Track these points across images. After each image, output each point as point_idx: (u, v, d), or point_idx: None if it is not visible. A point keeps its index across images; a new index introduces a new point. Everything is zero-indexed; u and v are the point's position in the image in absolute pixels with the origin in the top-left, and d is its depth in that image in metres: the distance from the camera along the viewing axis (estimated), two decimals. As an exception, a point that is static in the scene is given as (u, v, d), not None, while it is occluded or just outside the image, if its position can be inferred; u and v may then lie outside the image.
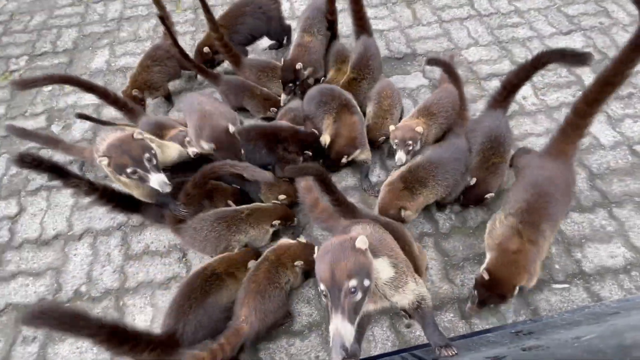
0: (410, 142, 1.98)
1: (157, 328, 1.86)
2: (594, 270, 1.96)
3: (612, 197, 2.18)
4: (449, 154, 1.99)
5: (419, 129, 1.99)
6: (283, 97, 2.44)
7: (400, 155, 1.99)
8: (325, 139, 2.16)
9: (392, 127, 2.06)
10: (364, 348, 1.73)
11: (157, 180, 1.62)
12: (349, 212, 1.65)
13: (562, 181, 1.70)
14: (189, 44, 3.19)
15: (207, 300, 1.63)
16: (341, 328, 0.93)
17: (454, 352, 1.10)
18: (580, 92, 2.55)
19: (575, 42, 2.93)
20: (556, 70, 2.79)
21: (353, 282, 0.97)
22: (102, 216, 2.26)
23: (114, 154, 1.59)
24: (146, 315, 1.92)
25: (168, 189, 1.65)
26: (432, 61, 2.19)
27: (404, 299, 1.19)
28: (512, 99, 2.10)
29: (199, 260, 2.07)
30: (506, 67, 2.82)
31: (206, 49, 2.66)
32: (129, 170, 1.59)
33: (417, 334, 1.80)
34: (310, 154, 2.13)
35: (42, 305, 1.20)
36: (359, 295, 0.98)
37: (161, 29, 3.31)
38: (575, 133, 1.70)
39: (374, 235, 1.24)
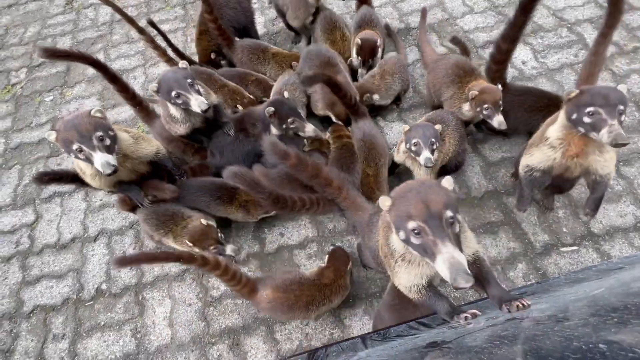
0: (433, 139, 1.77)
1: (176, 318, 1.95)
2: (603, 231, 1.95)
3: (619, 156, 2.13)
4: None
5: (438, 126, 1.80)
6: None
7: (427, 155, 1.74)
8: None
9: (405, 127, 1.84)
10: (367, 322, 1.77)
11: (101, 160, 1.48)
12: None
13: None
14: (180, 40, 3.19)
15: None
16: (457, 255, 0.85)
17: (527, 304, 0.93)
18: (583, 52, 2.49)
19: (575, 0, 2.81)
20: (556, 30, 2.70)
21: (450, 213, 0.90)
22: (114, 217, 2.34)
23: (63, 127, 1.49)
24: (165, 307, 2.00)
25: (109, 171, 1.50)
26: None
27: (466, 249, 1.09)
28: (506, 67, 2.01)
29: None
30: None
31: (213, 55, 2.67)
32: (74, 147, 1.48)
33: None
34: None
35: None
36: (457, 227, 0.92)
37: (151, 29, 3.33)
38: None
39: None
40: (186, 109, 1.84)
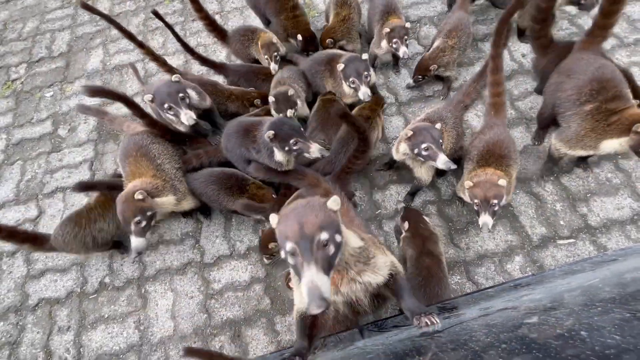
0: (495, 201, 1.62)
1: (178, 311, 1.99)
2: (600, 224, 1.96)
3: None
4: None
5: (502, 182, 1.61)
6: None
7: (487, 220, 1.63)
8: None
9: (468, 183, 1.70)
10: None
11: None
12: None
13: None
14: (179, 33, 3.18)
15: None
16: (317, 279, 0.86)
17: (436, 321, 0.93)
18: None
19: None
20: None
21: (325, 235, 0.91)
22: (116, 211, 2.36)
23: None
24: (167, 299, 2.03)
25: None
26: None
27: (375, 276, 1.11)
28: (550, 24, 2.06)
29: (212, 245, 2.17)
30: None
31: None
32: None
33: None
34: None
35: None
36: (332, 249, 0.93)
37: (150, 22, 3.32)
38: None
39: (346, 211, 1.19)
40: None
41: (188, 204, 2.03)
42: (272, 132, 1.68)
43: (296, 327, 1.17)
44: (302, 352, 1.06)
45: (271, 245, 1.86)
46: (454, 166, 1.69)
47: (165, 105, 1.95)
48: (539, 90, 2.35)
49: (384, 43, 2.33)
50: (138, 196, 1.71)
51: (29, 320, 2.07)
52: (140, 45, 2.32)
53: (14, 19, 3.65)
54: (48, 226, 2.37)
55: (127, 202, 1.71)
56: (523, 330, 0.55)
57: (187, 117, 1.95)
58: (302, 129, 1.75)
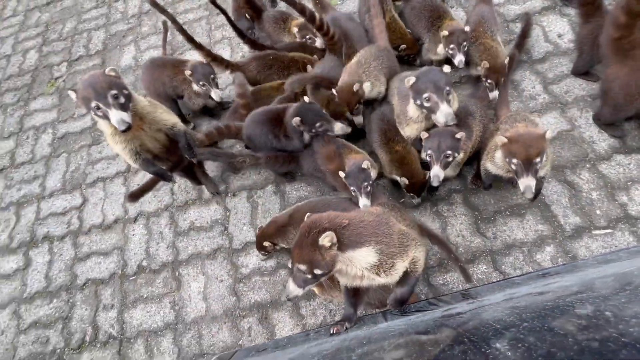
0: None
1: (209, 293, 2.11)
2: (642, 213, 1.85)
3: (664, 134, 1.99)
4: None
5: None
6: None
7: (530, 183, 1.57)
8: None
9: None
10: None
11: (116, 117, 1.55)
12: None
13: None
14: (204, 28, 3.26)
15: None
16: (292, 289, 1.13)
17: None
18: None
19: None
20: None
21: (303, 267, 1.09)
22: (151, 200, 2.52)
23: (81, 87, 1.57)
24: (199, 282, 2.16)
25: (123, 127, 1.57)
26: None
27: (392, 278, 1.21)
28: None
29: (239, 232, 2.26)
30: (537, 3, 2.56)
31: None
32: (92, 104, 1.55)
33: (450, 286, 1.86)
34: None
35: None
36: (309, 276, 1.11)
37: (177, 18, 3.41)
38: None
39: (374, 219, 1.20)
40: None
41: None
42: (298, 118, 1.88)
43: (344, 297, 1.35)
44: (350, 317, 1.25)
45: (265, 243, 1.98)
46: (437, 183, 1.67)
47: (201, 82, 2.31)
48: (576, 71, 2.21)
49: (440, 48, 2.14)
50: (110, 72, 1.61)
51: (78, 298, 2.28)
52: (199, 47, 2.37)
53: (54, 20, 3.90)
54: (91, 213, 2.57)
55: (99, 76, 1.59)
56: (545, 312, 0.55)
57: (216, 94, 2.35)
58: (323, 110, 1.93)
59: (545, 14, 2.50)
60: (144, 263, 2.31)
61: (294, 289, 1.13)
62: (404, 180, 1.92)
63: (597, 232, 1.85)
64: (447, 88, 1.60)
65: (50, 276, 2.40)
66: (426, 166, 1.84)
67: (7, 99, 3.39)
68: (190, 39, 2.32)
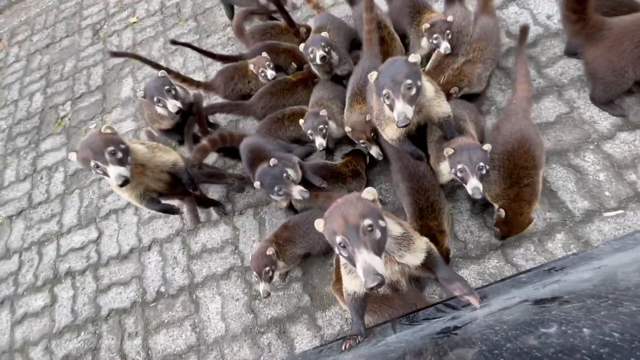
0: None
1: (227, 312, 2.16)
2: (653, 190, 1.80)
3: (668, 106, 1.93)
4: None
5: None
6: None
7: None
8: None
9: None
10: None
11: (114, 173, 1.60)
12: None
13: None
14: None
15: None
16: (369, 259, 0.94)
17: (476, 302, 1.04)
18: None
19: None
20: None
21: (368, 221, 0.98)
22: (162, 226, 2.59)
23: (80, 148, 1.64)
24: (216, 303, 2.21)
25: (120, 182, 1.61)
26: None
27: (415, 258, 1.19)
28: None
29: (250, 249, 2.30)
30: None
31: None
32: (92, 164, 1.62)
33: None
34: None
35: None
36: (378, 233, 0.99)
37: (169, 45, 3.50)
38: None
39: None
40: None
41: None
42: (258, 182, 1.91)
43: (351, 310, 1.29)
44: (361, 331, 1.22)
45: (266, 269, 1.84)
46: (479, 195, 1.56)
47: (155, 99, 2.16)
48: (568, 51, 2.17)
49: (424, 41, 2.14)
50: (106, 130, 1.68)
51: (104, 329, 2.37)
52: (167, 70, 2.42)
53: (54, 61, 4.05)
54: (107, 245, 2.67)
55: (96, 136, 1.65)
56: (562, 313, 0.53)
57: (172, 105, 2.14)
58: (284, 174, 1.88)
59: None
60: (162, 289, 2.37)
61: (375, 259, 0.95)
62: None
63: (608, 214, 1.82)
64: (408, 81, 1.43)
65: (76, 310, 2.49)
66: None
67: (19, 143, 3.54)
68: (157, 67, 2.43)
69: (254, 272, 1.80)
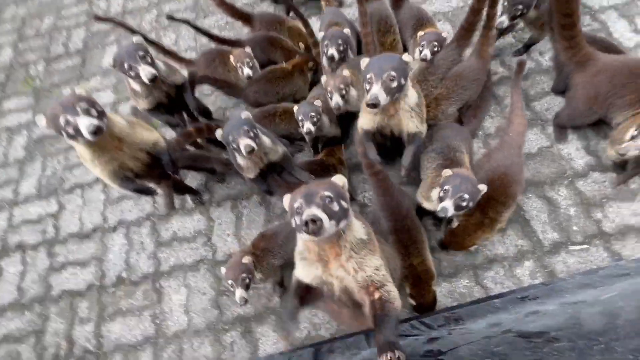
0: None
1: (191, 306, 2.06)
2: (616, 230, 1.92)
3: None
4: None
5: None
6: None
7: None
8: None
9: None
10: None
11: (86, 124, 1.45)
12: None
13: None
14: (191, 31, 3.19)
15: None
16: (316, 212, 0.97)
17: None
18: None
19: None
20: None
21: (328, 192, 1.01)
22: (132, 208, 2.44)
23: (50, 109, 1.50)
24: (181, 295, 2.11)
25: (93, 130, 1.47)
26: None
27: (359, 272, 1.10)
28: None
29: (224, 244, 2.22)
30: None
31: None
32: (61, 120, 1.45)
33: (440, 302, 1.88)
34: None
35: None
36: (336, 206, 1.01)
37: (163, 19, 3.32)
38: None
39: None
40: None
41: None
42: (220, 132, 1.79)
43: (293, 299, 1.21)
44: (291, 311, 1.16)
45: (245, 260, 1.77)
46: (444, 214, 1.61)
47: (125, 65, 1.80)
48: (555, 89, 2.28)
49: (416, 51, 2.16)
50: (79, 91, 1.55)
51: (53, 311, 2.19)
52: (150, 42, 2.28)
53: (31, 15, 3.73)
54: (68, 221, 2.48)
55: (69, 96, 1.53)
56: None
57: (146, 72, 1.78)
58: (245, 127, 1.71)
59: (527, 32, 2.56)
60: (124, 274, 2.23)
61: (320, 212, 0.95)
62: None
63: (574, 247, 1.92)
64: (392, 73, 1.47)
65: (23, 287, 2.29)
66: None
67: (-21, 98, 3.22)
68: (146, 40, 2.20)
69: (229, 281, 1.69)
